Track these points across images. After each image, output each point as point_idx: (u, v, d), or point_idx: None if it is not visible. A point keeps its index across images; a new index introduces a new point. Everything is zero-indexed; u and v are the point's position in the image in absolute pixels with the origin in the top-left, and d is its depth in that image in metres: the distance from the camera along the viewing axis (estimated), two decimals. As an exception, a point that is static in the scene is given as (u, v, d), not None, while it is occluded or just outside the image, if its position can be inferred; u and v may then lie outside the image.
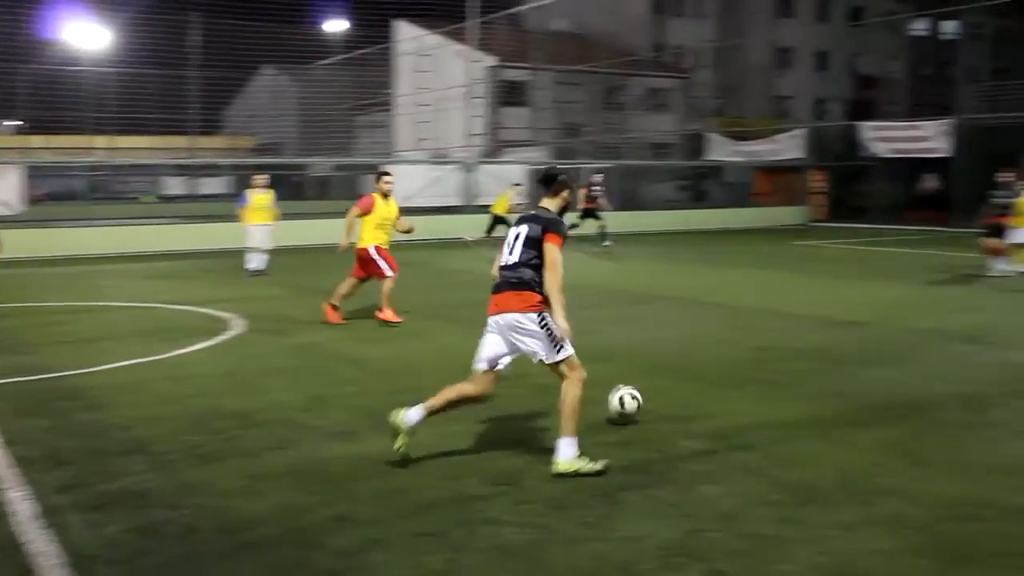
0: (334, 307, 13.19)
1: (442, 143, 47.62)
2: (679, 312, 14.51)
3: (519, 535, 5.43)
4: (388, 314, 12.97)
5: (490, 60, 49.19)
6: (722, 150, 44.99)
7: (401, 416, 6.65)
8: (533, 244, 6.64)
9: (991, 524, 5.54)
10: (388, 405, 8.26)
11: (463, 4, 42.97)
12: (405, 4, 49.66)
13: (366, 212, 13.02)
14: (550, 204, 6.93)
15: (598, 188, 27.82)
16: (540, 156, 44.97)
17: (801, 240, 30.75)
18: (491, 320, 6.71)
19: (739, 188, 46.03)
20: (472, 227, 30.10)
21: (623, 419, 7.67)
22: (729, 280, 19.32)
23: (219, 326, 12.88)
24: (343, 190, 49.84)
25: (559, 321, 6.47)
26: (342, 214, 14.13)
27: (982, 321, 13.42)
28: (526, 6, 52.36)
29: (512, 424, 7.79)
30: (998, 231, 19.29)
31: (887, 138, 38.25)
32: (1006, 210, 19.28)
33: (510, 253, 6.73)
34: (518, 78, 50.97)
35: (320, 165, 48.15)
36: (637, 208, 39.34)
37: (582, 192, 27.67)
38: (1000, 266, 19.30)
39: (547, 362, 6.59)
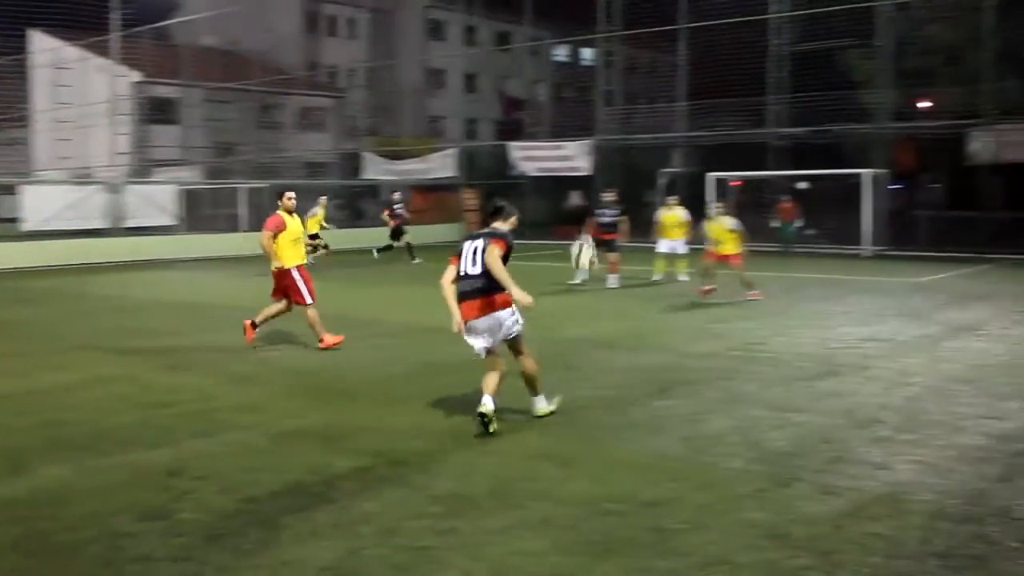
0: (254, 325, 12.83)
1: (85, 162, 45.08)
2: (331, 330, 14.44)
3: (171, 570, 5.23)
4: (328, 339, 12.65)
5: (136, 75, 47.14)
6: (378, 169, 45.50)
7: (487, 407, 7.91)
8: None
9: (630, 517, 5.91)
10: (23, 443, 7.73)
11: (106, 16, 40.95)
12: (41, 13, 46.56)
13: (280, 231, 12.59)
14: (502, 226, 8.54)
15: (399, 206, 28.67)
16: (192, 175, 43.62)
17: (456, 256, 31.51)
18: (471, 324, 8.28)
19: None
20: (117, 251, 28.83)
21: None
22: (383, 296, 19.55)
23: None
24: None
25: (518, 293, 8.02)
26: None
27: (620, 328, 14.32)
28: (172, 20, 50.63)
29: (161, 455, 7.48)
30: (602, 245, 20.86)
31: (534, 157, 40.30)
32: (611, 227, 20.83)
33: (473, 264, 8.31)
34: (167, 95, 49.17)
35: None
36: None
37: (385, 213, 28.60)
38: (580, 276, 20.88)
39: (512, 336, 8.31)
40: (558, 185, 42.63)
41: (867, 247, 29.79)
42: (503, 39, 60.80)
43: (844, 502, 6.18)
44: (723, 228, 18.12)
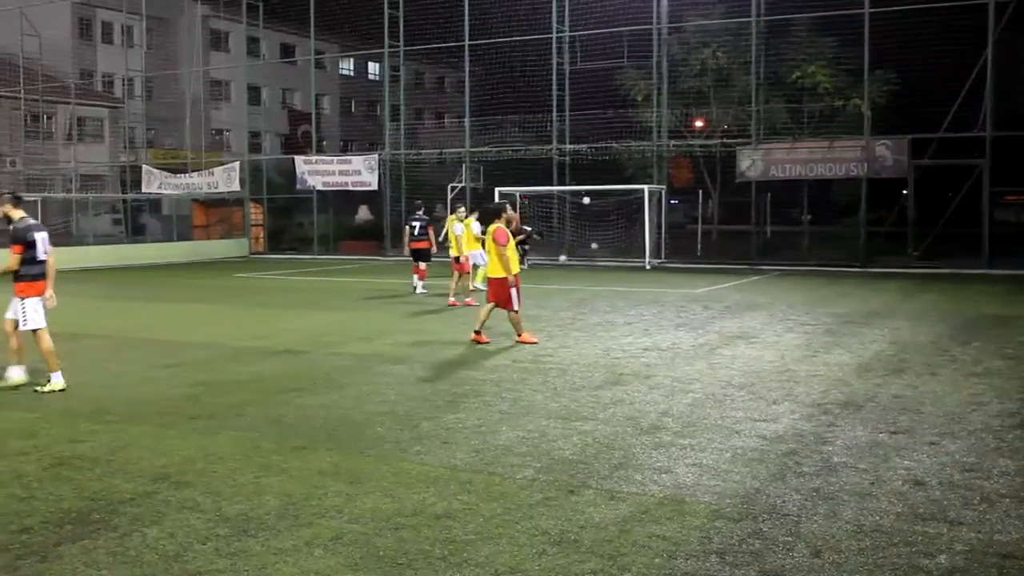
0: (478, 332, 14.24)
1: None
2: (110, 351, 13.89)
3: (-67, 609, 4.87)
4: (528, 336, 14.18)
5: None
6: (158, 183, 43.98)
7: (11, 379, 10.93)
8: None
9: (423, 531, 5.91)
10: None
11: None
12: None
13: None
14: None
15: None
16: (-47, 188, 40.92)
17: (241, 272, 30.89)
18: (43, 296, 10.77)
19: (178, 221, 45.30)
20: None
21: None
22: (166, 315, 18.91)
23: None
24: None
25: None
26: None
27: (411, 343, 14.32)
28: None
29: (-77, 486, 6.97)
30: (418, 255, 21.88)
31: (320, 171, 39.90)
32: (422, 236, 22.00)
33: (45, 252, 10.78)
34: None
35: None
36: (71, 244, 37.23)
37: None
38: (420, 287, 22.05)
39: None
40: (347, 200, 42.52)
41: (649, 260, 30.90)
42: (288, 51, 59.93)
43: (629, 506, 6.38)
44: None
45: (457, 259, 20.10)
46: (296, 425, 8.86)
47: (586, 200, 32.63)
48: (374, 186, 38.78)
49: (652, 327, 15.89)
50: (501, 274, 14.12)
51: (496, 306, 14.27)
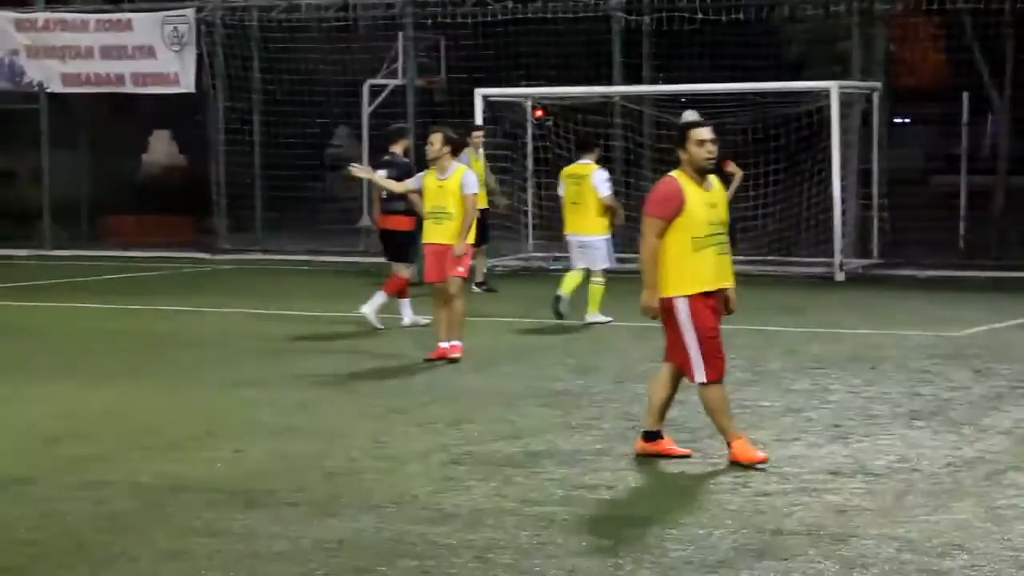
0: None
1: None
2: None
3: None
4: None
5: None
6: None
7: None
8: None
9: None
10: None
11: None
12: None
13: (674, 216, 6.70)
14: None
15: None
16: None
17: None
18: None
19: None
20: None
21: None
22: None
23: None
24: None
25: None
26: None
27: (276, 455, 8.04)
28: None
29: None
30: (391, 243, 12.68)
31: (57, 48, 21.64)
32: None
33: None
34: None
35: None
36: None
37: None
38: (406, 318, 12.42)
39: None
40: (122, 116, 24.86)
41: (841, 260, 17.17)
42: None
43: None
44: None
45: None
46: None
47: (690, 115, 16.45)
48: (187, 86, 21.69)
49: (849, 418, 8.63)
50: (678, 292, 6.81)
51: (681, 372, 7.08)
